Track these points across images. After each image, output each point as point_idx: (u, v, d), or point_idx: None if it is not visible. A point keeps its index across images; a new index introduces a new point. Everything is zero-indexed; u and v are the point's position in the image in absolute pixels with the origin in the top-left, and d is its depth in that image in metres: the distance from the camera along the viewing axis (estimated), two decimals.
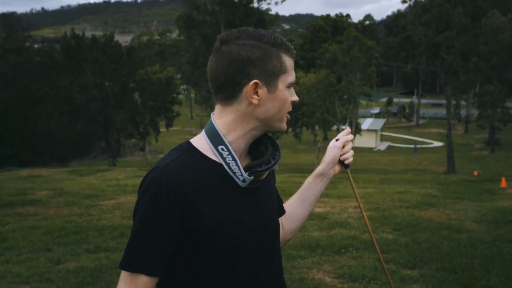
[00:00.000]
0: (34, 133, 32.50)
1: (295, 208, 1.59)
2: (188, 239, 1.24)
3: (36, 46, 42.75)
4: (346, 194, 8.86)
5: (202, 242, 1.25)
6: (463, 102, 54.18)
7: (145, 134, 34.09)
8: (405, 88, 75.11)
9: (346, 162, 1.56)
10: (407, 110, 60.84)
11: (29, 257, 5.16)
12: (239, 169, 1.28)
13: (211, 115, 1.34)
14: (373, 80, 33.86)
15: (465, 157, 35.04)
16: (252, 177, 1.29)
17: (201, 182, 1.25)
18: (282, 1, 39.72)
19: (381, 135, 46.61)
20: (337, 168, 1.57)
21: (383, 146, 44.21)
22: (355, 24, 67.42)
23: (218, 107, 1.33)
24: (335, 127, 33.64)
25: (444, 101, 43.56)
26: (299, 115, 32.94)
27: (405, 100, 66.36)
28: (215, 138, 1.29)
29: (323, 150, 40.79)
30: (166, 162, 1.25)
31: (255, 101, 1.28)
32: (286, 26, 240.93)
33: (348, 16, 61.08)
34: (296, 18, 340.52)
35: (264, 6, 58.27)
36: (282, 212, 1.57)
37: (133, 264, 1.23)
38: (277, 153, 1.36)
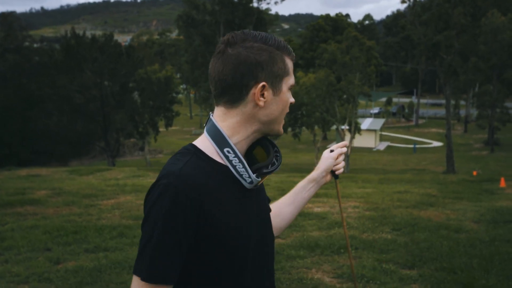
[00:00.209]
0: (33, 133, 32.47)
1: (284, 208, 1.67)
2: (201, 243, 1.23)
3: (35, 45, 42.75)
4: (345, 194, 8.87)
5: (214, 245, 1.24)
6: (462, 102, 54.21)
7: (145, 134, 34.08)
8: (405, 88, 75.15)
9: (336, 172, 1.71)
10: (407, 110, 60.85)
11: (28, 256, 5.16)
12: (246, 171, 1.28)
13: (211, 116, 1.33)
14: (372, 80, 33.86)
15: (464, 157, 35.07)
16: (260, 179, 1.31)
17: (213, 186, 1.24)
18: (281, 1, 39.79)
19: (381, 135, 46.63)
20: (329, 177, 1.72)
21: (382, 146, 44.22)
22: (354, 24, 67.47)
23: (221, 110, 1.31)
24: (334, 126, 33.65)
25: (443, 101, 43.58)
26: (298, 115, 32.95)
27: (405, 100, 66.39)
28: (220, 141, 1.29)
29: (322, 149, 40.81)
30: (179, 167, 1.23)
31: (261, 103, 1.28)
32: (286, 26, 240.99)
33: (347, 16, 61.08)
34: (295, 18, 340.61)
35: (263, 6, 58.30)
36: (269, 210, 1.59)
37: (157, 275, 1.20)
38: (278, 154, 1.37)
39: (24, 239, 5.71)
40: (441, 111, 56.43)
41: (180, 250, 1.21)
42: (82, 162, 35.16)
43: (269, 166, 1.32)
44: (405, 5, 33.56)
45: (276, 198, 6.61)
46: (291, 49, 1.35)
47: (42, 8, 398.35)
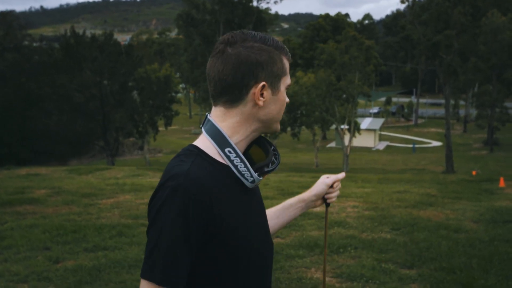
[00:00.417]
0: (33, 132, 32.42)
1: (269, 221, 1.63)
2: (207, 244, 1.23)
3: (34, 44, 42.70)
4: (345, 193, 8.87)
5: (220, 246, 1.24)
6: (462, 102, 54.24)
7: (144, 133, 34.06)
8: (404, 87, 75.18)
9: (328, 201, 1.68)
10: (406, 110, 60.88)
11: (28, 255, 5.15)
12: (248, 170, 1.29)
13: (209, 117, 1.33)
14: (371, 79, 33.88)
15: (464, 156, 35.08)
16: (261, 178, 1.32)
17: (218, 187, 1.24)
18: (281, 0, 39.79)
19: (380, 135, 46.65)
20: (319, 202, 1.69)
21: (381, 145, 44.24)
22: (354, 24, 67.44)
23: (220, 110, 1.31)
24: (333, 126, 33.66)
25: (443, 101, 43.61)
26: (297, 114, 32.96)
27: (404, 99, 66.43)
28: (221, 141, 1.29)
29: (321, 149, 40.88)
30: (185, 168, 1.22)
31: (261, 103, 1.29)
32: (285, 25, 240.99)
33: (347, 15, 61.07)
34: (295, 17, 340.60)
35: (263, 5, 58.29)
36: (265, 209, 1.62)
37: (170, 279, 1.18)
38: (276, 153, 1.38)
39: (24, 238, 5.70)
40: (441, 111, 56.45)
41: (190, 252, 1.20)
42: (82, 161, 35.15)
43: (270, 165, 1.33)
44: (404, 5, 33.58)
45: (275, 197, 6.64)
46: (287, 49, 1.36)
47: (41, 7, 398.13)
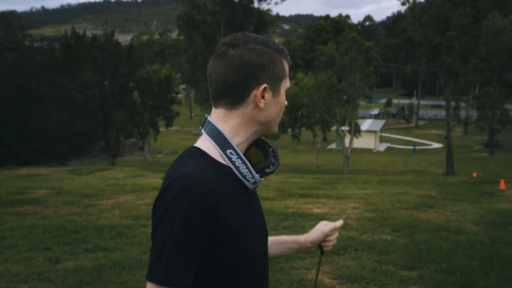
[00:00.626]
0: (33, 132, 32.42)
1: None
2: (211, 245, 1.23)
3: (35, 44, 42.72)
4: (345, 195, 8.87)
5: (223, 247, 1.24)
6: (462, 104, 54.22)
7: (145, 134, 34.06)
8: (405, 89, 75.18)
9: (324, 249, 1.65)
10: (407, 112, 60.86)
11: (28, 256, 5.15)
12: (250, 172, 1.29)
13: (209, 118, 1.33)
14: (372, 81, 33.86)
15: (464, 158, 35.07)
16: (263, 179, 1.32)
17: (222, 188, 1.25)
18: (282, 1, 39.79)
19: (380, 136, 46.64)
20: (314, 249, 1.67)
21: (382, 147, 44.23)
22: (355, 25, 67.44)
23: (221, 111, 1.31)
24: (334, 127, 33.66)
25: (443, 103, 43.57)
26: (298, 116, 32.96)
27: (405, 101, 66.41)
28: (223, 143, 1.29)
29: (322, 151, 40.80)
30: (191, 169, 1.22)
31: (262, 105, 1.29)
32: (286, 27, 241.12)
33: (347, 17, 61.07)
34: (296, 19, 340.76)
35: (264, 6, 58.31)
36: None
37: (178, 280, 1.18)
38: (276, 154, 1.39)
39: (24, 239, 5.71)
40: (441, 113, 56.44)
41: (196, 254, 1.20)
42: (82, 162, 35.15)
43: (270, 166, 1.34)
44: (405, 6, 33.59)
45: (276, 198, 6.62)
46: (287, 52, 1.37)
47: (42, 7, 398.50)
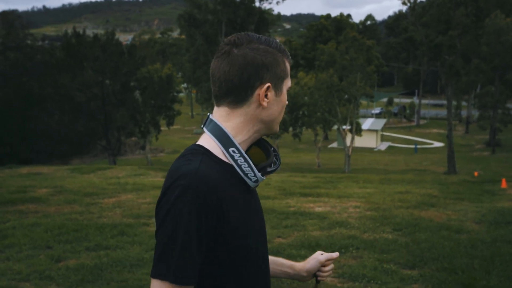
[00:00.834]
0: (34, 132, 32.43)
1: None
2: (215, 243, 1.23)
3: (37, 44, 42.74)
4: (346, 194, 8.87)
5: (225, 245, 1.25)
6: (464, 103, 54.13)
7: (146, 133, 34.08)
8: (406, 88, 75.08)
9: (319, 278, 1.63)
10: (408, 111, 60.82)
11: (30, 254, 5.16)
12: (252, 170, 1.30)
13: (211, 117, 1.34)
14: (373, 80, 33.83)
15: (466, 157, 35.04)
16: (264, 178, 1.33)
17: (226, 186, 1.25)
18: (283, 0, 39.76)
19: (382, 135, 46.60)
20: (309, 278, 1.64)
21: (383, 146, 44.20)
22: (356, 25, 67.36)
23: (224, 110, 1.32)
24: (335, 126, 33.64)
25: (445, 102, 43.55)
26: (299, 115, 32.95)
27: (406, 100, 66.35)
28: (225, 141, 1.30)
29: (323, 150, 40.75)
30: (195, 167, 1.22)
31: (265, 104, 1.31)
32: (288, 26, 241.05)
33: (349, 16, 61.01)
34: (297, 18, 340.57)
35: (266, 5, 58.27)
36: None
37: (184, 278, 1.19)
38: (277, 153, 1.40)
39: (26, 237, 5.72)
40: (443, 112, 56.40)
41: (201, 251, 1.21)
42: (84, 161, 35.17)
43: (272, 165, 1.35)
44: (406, 6, 33.55)
45: (277, 197, 6.63)
46: (288, 52, 1.39)
47: (44, 6, 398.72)
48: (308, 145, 41.87)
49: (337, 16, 56.04)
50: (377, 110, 59.12)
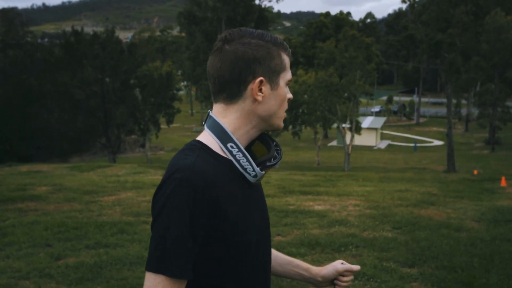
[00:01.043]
0: (34, 129, 32.39)
1: (272, 261, 1.59)
2: (211, 238, 1.23)
3: (37, 41, 42.72)
4: (346, 192, 8.87)
5: (223, 240, 1.25)
6: (463, 101, 54.16)
7: (146, 131, 34.08)
8: (406, 86, 75.08)
9: (336, 287, 1.60)
10: (408, 109, 60.82)
11: (29, 252, 5.16)
12: (251, 165, 1.30)
13: (210, 113, 1.35)
14: (373, 77, 33.81)
15: (465, 156, 35.06)
16: (264, 172, 1.32)
17: (223, 180, 1.25)
18: None
19: (381, 134, 46.63)
20: (325, 284, 1.61)
21: (383, 144, 44.21)
22: (356, 22, 67.28)
23: (221, 106, 1.33)
24: (335, 125, 33.64)
25: (444, 100, 43.56)
26: (299, 113, 32.94)
27: (406, 98, 66.37)
28: (223, 136, 1.30)
29: (323, 148, 40.74)
30: (191, 161, 1.23)
31: (259, 98, 1.30)
32: (287, 24, 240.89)
33: (349, 14, 60.95)
34: (297, 16, 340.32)
35: (265, 3, 58.17)
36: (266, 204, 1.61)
37: (181, 271, 1.19)
38: (278, 148, 1.39)
39: (25, 235, 5.72)
40: (442, 110, 56.41)
41: (195, 244, 1.21)
42: (83, 159, 35.17)
43: (272, 160, 1.34)
44: (406, 4, 33.51)
45: (276, 195, 6.62)
46: (287, 45, 1.37)
47: (43, 4, 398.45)
48: (308, 143, 41.88)
49: (337, 14, 55.94)
50: (376, 108, 59.15)
